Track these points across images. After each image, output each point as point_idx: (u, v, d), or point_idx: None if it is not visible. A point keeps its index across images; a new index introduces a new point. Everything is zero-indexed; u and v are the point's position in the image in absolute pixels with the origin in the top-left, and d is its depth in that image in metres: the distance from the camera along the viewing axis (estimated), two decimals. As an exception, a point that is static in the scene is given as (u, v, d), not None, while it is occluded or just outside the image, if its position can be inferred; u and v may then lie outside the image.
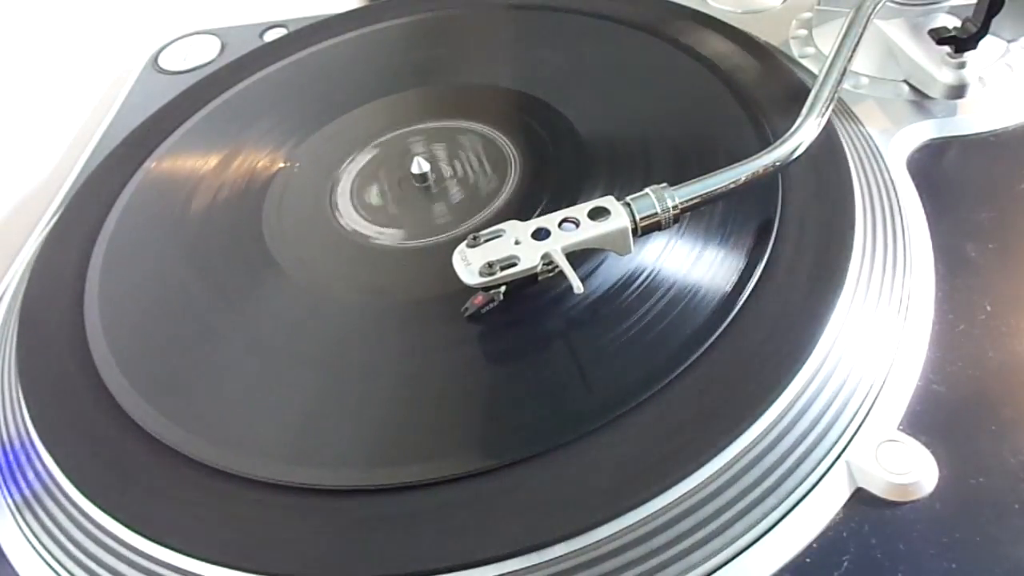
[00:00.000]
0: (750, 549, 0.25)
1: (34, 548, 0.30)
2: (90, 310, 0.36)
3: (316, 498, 0.27)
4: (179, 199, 0.41)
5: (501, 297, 0.30)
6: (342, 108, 0.44)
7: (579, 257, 0.32)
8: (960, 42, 0.37)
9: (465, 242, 0.30)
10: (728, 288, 0.30)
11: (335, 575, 0.26)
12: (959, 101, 0.38)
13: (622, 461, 0.26)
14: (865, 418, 0.28)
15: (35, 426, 0.32)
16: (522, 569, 0.25)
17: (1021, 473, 0.26)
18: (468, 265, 0.29)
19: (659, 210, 0.30)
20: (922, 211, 0.34)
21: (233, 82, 0.49)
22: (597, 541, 0.25)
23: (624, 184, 0.35)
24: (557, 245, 0.29)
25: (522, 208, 0.36)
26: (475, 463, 0.27)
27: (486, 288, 0.30)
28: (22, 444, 0.32)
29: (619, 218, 0.30)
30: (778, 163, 0.32)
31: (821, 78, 0.35)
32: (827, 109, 0.34)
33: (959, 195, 0.35)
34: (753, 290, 0.30)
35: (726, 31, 0.43)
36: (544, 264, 0.29)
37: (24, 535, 0.30)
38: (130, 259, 0.38)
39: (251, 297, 0.35)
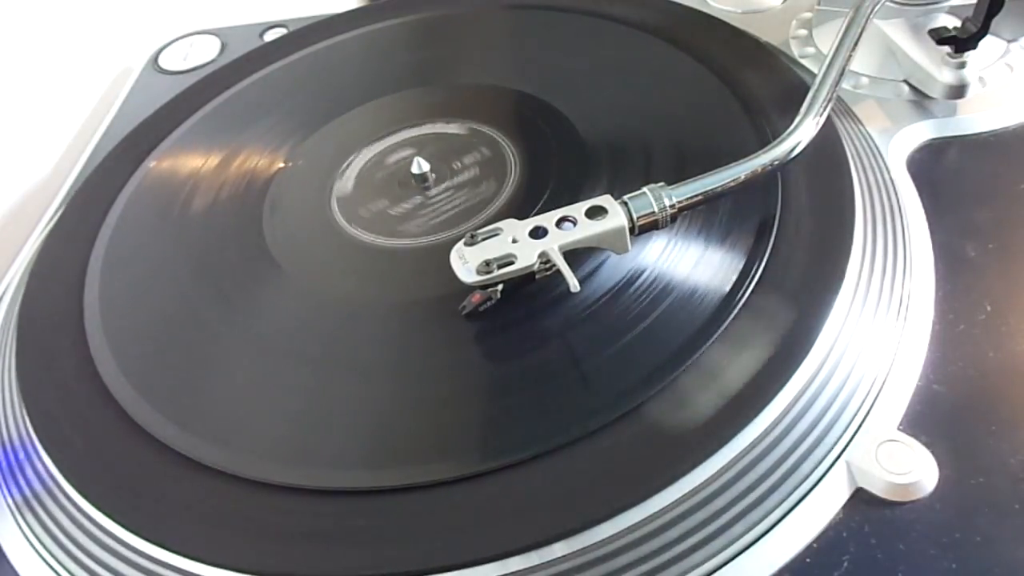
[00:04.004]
0: (750, 549, 0.25)
1: (34, 548, 0.30)
2: (90, 310, 0.36)
3: (316, 498, 0.27)
4: (179, 199, 0.41)
5: (498, 295, 0.31)
6: (342, 108, 0.44)
7: (580, 257, 0.32)
8: (960, 42, 0.37)
9: (463, 240, 0.30)
10: (728, 288, 0.30)
11: (335, 575, 0.26)
12: (959, 101, 0.38)
13: (621, 461, 0.26)
14: (865, 418, 0.28)
15: (35, 426, 0.31)
16: (522, 569, 0.25)
17: (1021, 473, 0.26)
18: (465, 263, 0.30)
19: (656, 209, 0.30)
20: (922, 211, 0.34)
21: (233, 82, 0.49)
22: (597, 541, 0.25)
23: (624, 184, 0.35)
24: (554, 244, 0.29)
25: (522, 208, 0.36)
26: (475, 463, 0.27)
27: (483, 286, 0.30)
28: (22, 444, 0.32)
29: (616, 217, 0.30)
30: (776, 162, 0.32)
31: (820, 77, 0.35)
32: (825, 108, 0.34)
33: (959, 195, 0.35)
34: (752, 290, 0.30)
35: (726, 31, 0.43)
36: (541, 263, 0.29)
37: (24, 535, 0.30)
38: (130, 259, 0.38)
39: (251, 297, 0.35)
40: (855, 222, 0.31)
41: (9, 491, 0.31)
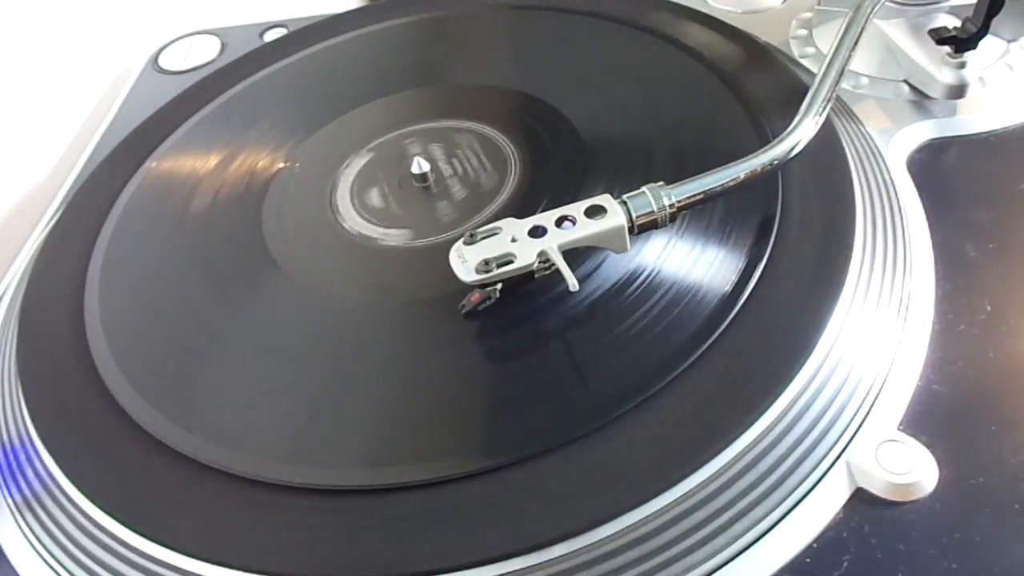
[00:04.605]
0: (750, 549, 0.25)
1: (34, 548, 0.30)
2: (90, 310, 0.36)
3: (316, 498, 0.27)
4: (179, 199, 0.41)
5: (498, 294, 0.31)
6: (342, 108, 0.44)
7: (580, 256, 0.32)
8: (960, 42, 0.37)
9: (462, 239, 0.30)
10: (728, 288, 0.30)
11: (335, 575, 0.26)
12: (959, 101, 0.38)
13: (621, 461, 0.26)
14: (865, 418, 0.28)
15: (35, 426, 0.32)
16: (522, 569, 0.25)
17: (1021, 473, 0.26)
18: (465, 262, 0.30)
19: (655, 208, 0.30)
20: (922, 211, 0.34)
21: (233, 82, 0.49)
22: (597, 541, 0.25)
23: (624, 184, 0.35)
24: (553, 243, 0.29)
25: (522, 208, 0.36)
26: (475, 463, 0.27)
27: (482, 285, 0.30)
28: (22, 444, 0.32)
29: (615, 216, 0.30)
30: (775, 162, 0.32)
31: (819, 77, 0.35)
32: (825, 108, 0.34)
33: (959, 195, 0.35)
34: (753, 290, 0.30)
35: (726, 31, 0.43)
36: (540, 262, 0.29)
37: (24, 535, 0.30)
38: (130, 259, 0.38)
39: (251, 297, 0.35)
40: (855, 222, 0.31)
41: (9, 491, 0.31)
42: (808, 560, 0.25)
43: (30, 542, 0.30)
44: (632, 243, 0.30)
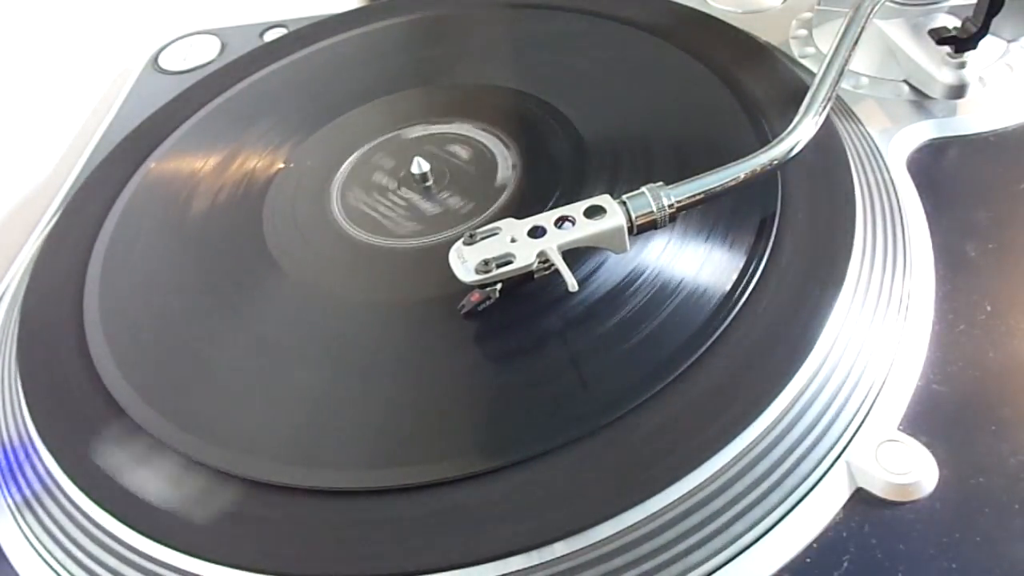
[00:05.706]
0: (750, 549, 0.25)
1: (34, 548, 0.30)
2: (90, 310, 0.36)
3: (316, 498, 0.27)
4: (179, 199, 0.41)
5: (497, 295, 0.31)
6: (342, 108, 0.44)
7: (580, 257, 0.32)
8: (960, 42, 0.37)
9: (461, 239, 0.30)
10: (728, 288, 0.30)
11: (335, 575, 0.26)
12: (959, 101, 0.38)
13: (622, 461, 0.26)
14: (865, 418, 0.28)
15: (35, 426, 0.32)
16: (522, 569, 0.25)
17: (1021, 473, 0.26)
18: (464, 263, 0.30)
19: (655, 209, 0.30)
20: (922, 211, 0.34)
21: (233, 82, 0.49)
22: (597, 541, 0.25)
23: (624, 184, 0.35)
24: (553, 243, 0.29)
25: (522, 208, 0.36)
26: (475, 463, 0.27)
27: (482, 285, 0.30)
28: (22, 444, 0.32)
29: (615, 216, 0.30)
30: (775, 162, 0.32)
31: (819, 77, 0.35)
32: (825, 108, 0.34)
33: (959, 195, 0.35)
34: (753, 290, 0.30)
35: (726, 31, 0.43)
36: (540, 262, 0.29)
37: (24, 535, 0.30)
38: (130, 259, 0.38)
39: (251, 297, 0.35)
40: (855, 222, 0.31)
41: (9, 491, 0.31)
42: (808, 560, 0.25)
43: (30, 542, 0.30)
44: (632, 243, 0.30)
